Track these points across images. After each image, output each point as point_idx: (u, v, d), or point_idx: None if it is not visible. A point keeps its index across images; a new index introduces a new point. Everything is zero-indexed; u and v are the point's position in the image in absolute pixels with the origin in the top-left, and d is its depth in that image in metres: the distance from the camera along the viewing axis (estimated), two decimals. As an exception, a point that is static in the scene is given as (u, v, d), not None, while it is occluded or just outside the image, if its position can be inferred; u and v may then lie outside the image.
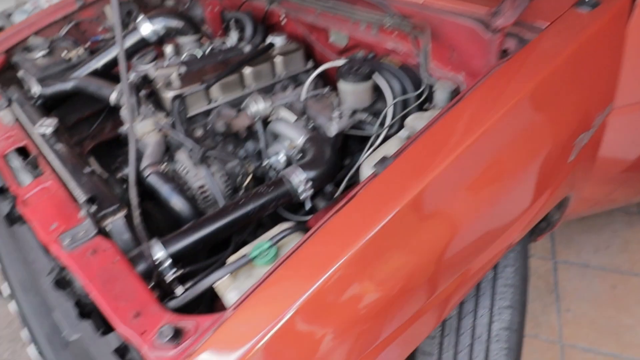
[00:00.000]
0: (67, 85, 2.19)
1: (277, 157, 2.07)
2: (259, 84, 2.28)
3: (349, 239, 1.06)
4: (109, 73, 2.37)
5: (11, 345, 2.88)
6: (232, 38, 2.54)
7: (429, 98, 1.89)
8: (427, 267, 1.15)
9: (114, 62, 2.34)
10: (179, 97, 1.84)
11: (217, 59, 2.30)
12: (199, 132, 2.14)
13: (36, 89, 2.14)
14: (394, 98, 1.94)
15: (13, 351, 2.85)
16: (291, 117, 2.07)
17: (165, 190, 1.71)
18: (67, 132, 2.13)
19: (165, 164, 1.84)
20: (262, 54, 2.27)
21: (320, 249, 1.05)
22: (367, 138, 1.95)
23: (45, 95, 2.17)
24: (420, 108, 1.96)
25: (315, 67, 2.49)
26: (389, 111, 1.93)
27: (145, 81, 2.08)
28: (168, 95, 1.91)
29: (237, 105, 2.25)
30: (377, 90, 2.01)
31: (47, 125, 1.85)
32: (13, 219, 1.77)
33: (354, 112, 1.85)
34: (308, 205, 1.79)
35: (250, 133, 2.23)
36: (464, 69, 1.79)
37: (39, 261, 1.56)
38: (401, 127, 1.98)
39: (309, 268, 1.03)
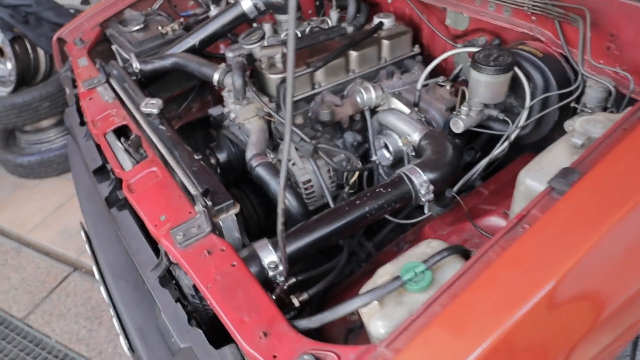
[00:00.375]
0: (167, 62, 2.10)
1: (384, 151, 1.90)
2: (363, 69, 2.13)
3: (542, 274, 0.87)
4: (205, 50, 2.27)
5: (88, 324, 2.93)
6: (332, 17, 2.38)
7: (578, 97, 1.65)
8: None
9: (211, 39, 2.23)
10: (283, 80, 1.68)
11: (319, 39, 2.14)
12: (299, 119, 2.01)
13: (136, 65, 2.07)
14: (535, 93, 1.71)
15: (90, 329, 2.90)
16: (404, 108, 1.88)
17: (275, 184, 1.58)
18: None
19: (273, 155, 1.72)
20: (371, 36, 2.09)
21: (503, 283, 0.87)
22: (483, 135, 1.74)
23: (145, 71, 2.09)
24: (564, 108, 1.71)
25: (422, 52, 2.30)
26: (526, 108, 1.70)
27: (249, 61, 1.95)
28: (273, 77, 1.75)
29: (339, 91, 2.11)
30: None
31: (152, 106, 1.76)
32: (114, 201, 1.71)
33: (484, 107, 1.63)
34: (428, 210, 1.62)
35: (352, 123, 2.07)
36: (625, 64, 1.53)
37: (142, 252, 1.48)
38: (536, 128, 1.75)
39: (494, 307, 0.86)
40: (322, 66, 1.91)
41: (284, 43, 2.08)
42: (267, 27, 2.33)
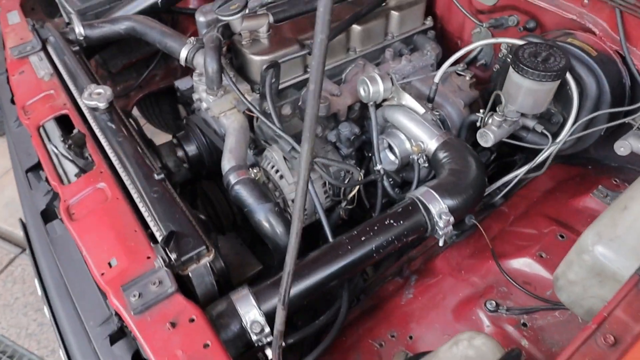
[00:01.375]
0: (120, 27, 1.70)
1: (389, 154, 1.64)
2: (366, 47, 1.84)
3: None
4: (173, 6, 1.87)
5: (39, 316, 2.63)
6: None
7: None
8: None
9: (174, -3, 1.82)
10: (274, 67, 1.39)
11: (312, 6, 1.80)
12: (286, 110, 1.69)
13: (80, 30, 1.65)
14: (584, 103, 1.43)
15: (41, 323, 2.61)
16: (417, 107, 1.58)
17: (260, 211, 1.28)
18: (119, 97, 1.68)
19: (256, 170, 1.40)
20: (379, 5, 1.74)
21: None
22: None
23: (91, 38, 1.69)
24: (612, 117, 1.44)
25: (435, 25, 1.96)
26: (570, 120, 1.42)
27: (226, 34, 1.58)
28: (257, 59, 1.54)
29: (336, 74, 1.81)
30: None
31: (98, 97, 1.39)
32: (52, 216, 1.38)
33: (520, 117, 1.36)
34: (443, 243, 1.36)
35: (348, 111, 1.77)
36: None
37: (88, 295, 1.19)
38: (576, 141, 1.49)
39: None
40: None
41: (264, 8, 1.69)
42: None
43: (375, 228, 1.28)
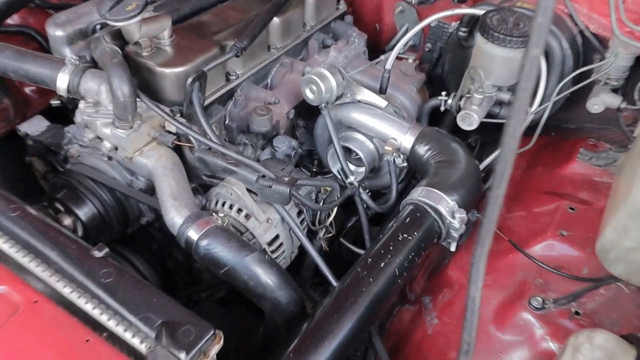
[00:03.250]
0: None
1: (359, 168, 1.54)
2: (287, 42, 1.70)
3: None
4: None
5: None
6: None
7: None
8: None
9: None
10: (201, 77, 1.29)
11: (205, 1, 1.63)
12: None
13: None
14: (551, 68, 1.45)
15: None
16: (378, 100, 1.47)
17: (250, 267, 1.07)
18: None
19: (222, 214, 1.15)
20: None
21: None
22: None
23: None
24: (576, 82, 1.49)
25: (352, 11, 1.90)
26: (541, 86, 1.44)
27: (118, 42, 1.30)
28: (170, 73, 1.35)
29: (261, 79, 1.65)
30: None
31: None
32: None
33: (497, 91, 1.41)
34: (455, 247, 1.28)
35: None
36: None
37: None
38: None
39: None
40: (247, 46, 1.38)
41: (151, 4, 1.44)
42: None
43: (391, 248, 1.14)
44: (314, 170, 1.73)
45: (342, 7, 1.89)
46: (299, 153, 1.63)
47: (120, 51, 1.28)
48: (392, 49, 1.94)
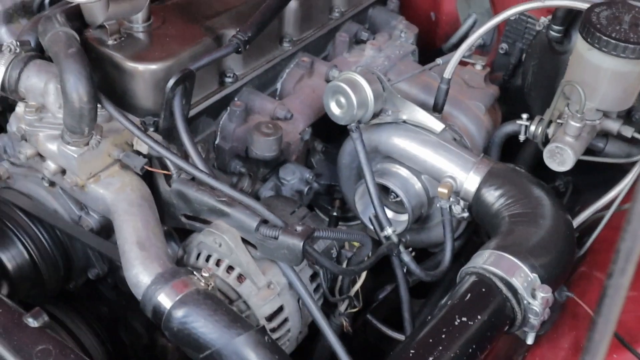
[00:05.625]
0: None
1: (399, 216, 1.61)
2: (307, 33, 1.80)
3: None
4: None
5: None
6: None
7: None
8: None
9: None
10: (187, 79, 1.35)
11: None
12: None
13: None
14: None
15: None
16: (432, 121, 1.51)
17: (243, 351, 1.12)
18: None
19: (206, 274, 1.20)
20: None
21: None
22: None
23: None
24: None
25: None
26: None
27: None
28: (144, 70, 1.43)
29: (269, 82, 1.73)
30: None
31: None
32: None
33: (602, 118, 1.51)
34: (533, 338, 1.30)
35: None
36: None
37: None
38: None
39: None
40: (253, 39, 1.46)
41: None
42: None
43: (443, 336, 1.18)
44: (334, 214, 1.80)
45: None
46: (314, 189, 1.69)
47: (78, 37, 1.34)
48: (452, 48, 2.02)
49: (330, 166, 1.79)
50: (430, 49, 2.00)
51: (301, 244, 1.20)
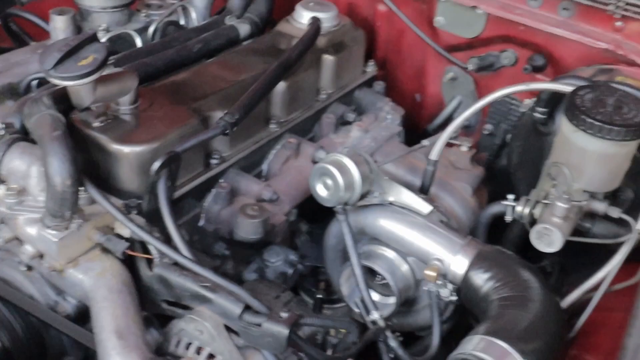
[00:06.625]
0: None
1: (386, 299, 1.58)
2: (294, 114, 1.82)
3: None
4: None
5: None
6: (197, 3, 2.04)
7: None
8: None
9: None
10: (173, 161, 1.37)
11: (189, 54, 1.77)
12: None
13: None
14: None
15: None
16: (419, 203, 1.52)
17: None
18: None
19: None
20: (311, 46, 1.78)
21: None
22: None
23: None
24: None
25: (383, 74, 2.08)
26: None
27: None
28: (130, 153, 1.43)
29: (255, 164, 1.75)
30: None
31: None
32: None
33: (589, 199, 1.52)
34: None
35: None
36: None
37: None
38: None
39: None
40: (240, 120, 1.50)
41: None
42: (59, 23, 1.77)
43: None
44: (319, 297, 1.76)
45: (371, 69, 2.03)
46: (299, 271, 1.67)
47: (64, 120, 1.33)
48: (437, 129, 2.04)
49: (315, 247, 1.78)
50: (415, 130, 2.02)
51: (287, 331, 1.17)
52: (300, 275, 1.69)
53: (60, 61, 1.30)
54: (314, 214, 1.73)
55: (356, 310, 1.52)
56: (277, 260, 1.63)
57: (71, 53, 1.32)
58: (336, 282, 1.62)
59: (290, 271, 1.63)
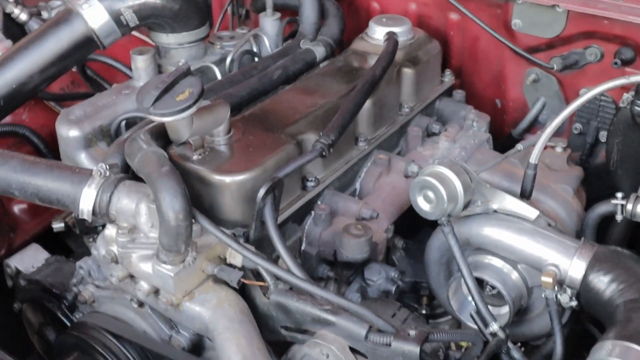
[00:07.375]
0: None
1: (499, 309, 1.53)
2: (380, 131, 1.81)
3: None
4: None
5: None
6: (268, 29, 2.06)
7: None
8: None
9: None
10: (277, 187, 1.37)
11: (270, 81, 1.78)
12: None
13: None
14: None
15: None
16: (526, 209, 1.48)
17: None
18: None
19: None
20: (391, 63, 1.76)
21: None
22: None
23: None
24: None
25: (460, 83, 2.07)
26: None
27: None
28: (231, 183, 1.44)
29: (348, 183, 1.74)
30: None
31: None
32: None
33: None
34: None
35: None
36: None
37: None
38: None
39: None
40: (336, 142, 1.49)
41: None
42: (141, 62, 1.78)
43: None
44: (424, 312, 1.74)
45: (449, 79, 2.01)
46: (400, 287, 1.63)
47: (167, 155, 1.34)
48: (522, 133, 1.99)
49: (412, 262, 1.75)
50: (498, 135, 1.98)
51: (417, 349, 1.14)
52: (400, 291, 1.65)
53: (158, 98, 1.32)
54: (406, 228, 1.72)
55: (470, 324, 1.46)
56: (379, 278, 1.62)
57: (167, 89, 1.33)
58: (443, 297, 1.58)
59: (392, 288, 1.61)
